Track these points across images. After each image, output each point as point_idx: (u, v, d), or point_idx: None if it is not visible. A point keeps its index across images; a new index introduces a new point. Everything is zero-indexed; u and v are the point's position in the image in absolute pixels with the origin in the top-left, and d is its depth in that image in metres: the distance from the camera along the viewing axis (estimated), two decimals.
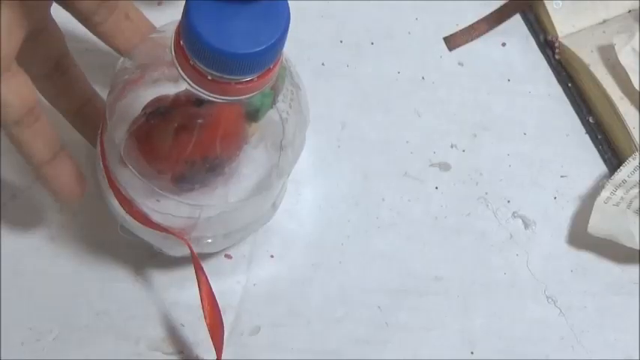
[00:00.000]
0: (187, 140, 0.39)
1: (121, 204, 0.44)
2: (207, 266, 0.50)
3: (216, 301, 0.45)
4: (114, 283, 0.49)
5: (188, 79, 0.36)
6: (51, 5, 0.42)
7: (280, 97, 0.40)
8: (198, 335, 0.49)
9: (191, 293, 0.50)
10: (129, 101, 0.40)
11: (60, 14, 0.43)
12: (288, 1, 0.35)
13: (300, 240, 0.52)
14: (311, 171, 0.54)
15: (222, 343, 0.46)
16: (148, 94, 0.40)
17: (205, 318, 0.45)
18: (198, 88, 0.36)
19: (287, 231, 0.52)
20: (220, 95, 0.36)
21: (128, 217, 0.44)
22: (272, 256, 0.51)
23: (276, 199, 0.47)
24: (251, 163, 0.42)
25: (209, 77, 0.35)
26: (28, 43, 0.41)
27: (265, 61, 0.35)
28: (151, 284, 0.50)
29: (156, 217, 0.43)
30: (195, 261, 0.44)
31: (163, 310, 0.49)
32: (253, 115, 0.39)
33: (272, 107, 0.39)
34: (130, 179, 0.41)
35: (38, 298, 0.49)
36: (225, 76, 0.35)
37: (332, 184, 0.54)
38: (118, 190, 0.43)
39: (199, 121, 0.38)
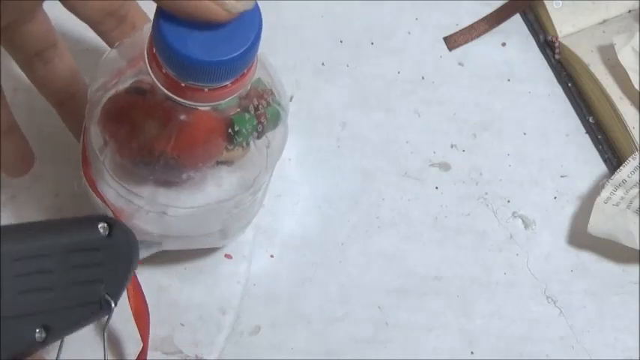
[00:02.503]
0: (149, 127, 0.39)
1: (83, 162, 0.44)
2: (206, 266, 0.50)
3: (139, 285, 0.45)
4: None
5: (148, 64, 0.36)
6: (40, 5, 0.43)
7: (270, 136, 0.41)
8: (198, 335, 0.49)
9: (190, 293, 0.50)
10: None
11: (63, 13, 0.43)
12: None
13: (300, 240, 0.52)
14: (311, 171, 0.54)
15: (148, 328, 0.46)
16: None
17: (129, 300, 0.45)
18: (154, 78, 0.36)
19: (287, 231, 0.52)
20: (173, 93, 0.36)
21: (84, 179, 0.44)
22: (272, 256, 0.51)
23: (228, 230, 0.47)
24: (219, 184, 0.42)
25: (163, 71, 0.35)
26: (9, 30, 0.42)
27: (216, 75, 0.35)
28: (151, 284, 0.50)
29: (103, 188, 0.43)
30: None
31: (163, 310, 0.49)
32: (229, 134, 0.39)
33: (258, 137, 0.40)
34: (92, 139, 0.42)
35: None
36: (179, 77, 0.35)
37: (332, 184, 0.54)
38: (85, 148, 0.44)
39: (168, 114, 0.38)
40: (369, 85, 0.56)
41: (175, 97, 0.36)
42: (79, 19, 0.46)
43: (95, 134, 0.41)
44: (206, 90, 0.35)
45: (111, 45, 0.47)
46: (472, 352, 0.51)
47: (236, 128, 0.39)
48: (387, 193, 0.54)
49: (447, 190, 0.54)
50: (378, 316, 0.51)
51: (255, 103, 0.39)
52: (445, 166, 0.55)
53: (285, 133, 0.42)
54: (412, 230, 0.53)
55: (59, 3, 0.44)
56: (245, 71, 0.36)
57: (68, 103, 0.47)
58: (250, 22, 0.34)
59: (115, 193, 0.43)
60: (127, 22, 0.46)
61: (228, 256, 0.51)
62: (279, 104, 0.41)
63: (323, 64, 0.56)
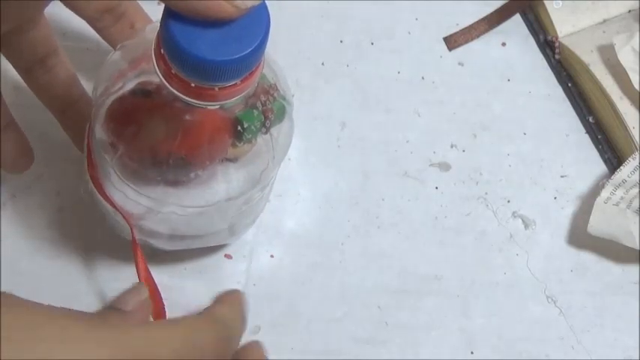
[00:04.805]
0: (157, 128, 0.39)
1: (88, 165, 0.44)
2: (206, 266, 0.50)
3: (156, 285, 0.45)
4: (114, 284, 0.49)
5: (156, 65, 0.36)
6: (44, 8, 0.43)
7: (276, 130, 0.40)
8: None
9: (190, 294, 0.50)
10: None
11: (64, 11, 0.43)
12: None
13: (300, 240, 0.52)
14: (311, 171, 0.54)
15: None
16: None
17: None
18: (163, 79, 0.36)
19: (287, 231, 0.52)
20: (183, 94, 0.36)
21: (90, 183, 0.44)
22: (272, 256, 0.51)
23: (235, 226, 0.47)
24: (225, 181, 0.42)
25: (172, 71, 0.35)
26: (10, 37, 0.42)
27: (227, 74, 0.35)
28: None
29: (111, 191, 0.43)
30: (134, 247, 0.45)
31: None
32: (238, 132, 0.39)
33: (265, 133, 0.40)
34: (99, 143, 0.42)
35: (38, 298, 0.49)
36: (189, 78, 0.35)
37: (332, 184, 0.54)
38: (90, 152, 0.44)
39: (175, 114, 0.38)
40: (369, 85, 0.56)
41: (185, 98, 0.36)
42: (79, 18, 0.46)
43: (102, 137, 0.41)
44: (216, 89, 0.35)
45: (110, 42, 0.47)
46: (472, 352, 0.51)
47: (245, 125, 0.39)
48: (387, 193, 0.54)
49: (447, 190, 0.54)
50: (377, 316, 0.51)
51: (263, 99, 0.39)
52: (445, 166, 0.55)
53: (292, 127, 0.42)
54: (412, 230, 0.53)
55: (59, 2, 0.44)
56: (254, 68, 0.36)
57: (70, 110, 0.47)
58: (258, 19, 0.34)
59: (123, 195, 0.43)
60: (125, 20, 0.46)
61: (228, 256, 0.51)
62: (284, 98, 0.41)
63: (323, 64, 0.56)
